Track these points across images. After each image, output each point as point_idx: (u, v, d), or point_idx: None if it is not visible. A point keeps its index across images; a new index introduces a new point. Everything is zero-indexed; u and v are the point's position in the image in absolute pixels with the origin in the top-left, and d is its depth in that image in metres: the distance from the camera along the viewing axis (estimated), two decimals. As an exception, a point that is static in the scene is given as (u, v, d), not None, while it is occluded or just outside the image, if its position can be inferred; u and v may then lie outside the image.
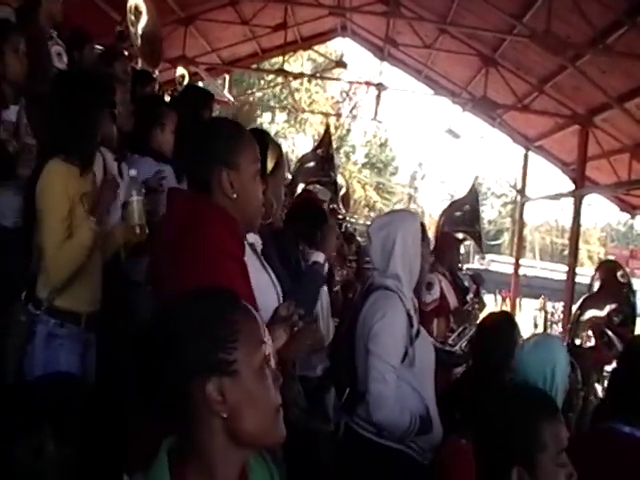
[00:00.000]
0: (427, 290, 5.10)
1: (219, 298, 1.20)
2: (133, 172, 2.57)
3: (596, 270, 6.60)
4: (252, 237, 2.17)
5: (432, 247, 5.69)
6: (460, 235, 6.58)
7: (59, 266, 2.46)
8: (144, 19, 5.61)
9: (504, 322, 3.06)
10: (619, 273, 6.29)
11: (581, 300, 6.41)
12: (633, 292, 6.39)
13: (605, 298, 6.06)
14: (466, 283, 6.05)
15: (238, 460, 1.19)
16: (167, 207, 1.85)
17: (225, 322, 1.14)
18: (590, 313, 6.13)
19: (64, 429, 1.75)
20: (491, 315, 3.51)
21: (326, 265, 3.06)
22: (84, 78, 2.77)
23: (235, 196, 1.74)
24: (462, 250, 6.58)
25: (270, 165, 2.29)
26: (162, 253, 1.79)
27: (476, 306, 5.55)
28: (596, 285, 6.38)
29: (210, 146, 1.76)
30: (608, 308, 5.92)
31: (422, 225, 2.97)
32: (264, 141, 2.27)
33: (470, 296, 5.70)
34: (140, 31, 5.55)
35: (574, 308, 6.73)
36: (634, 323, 5.96)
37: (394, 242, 2.71)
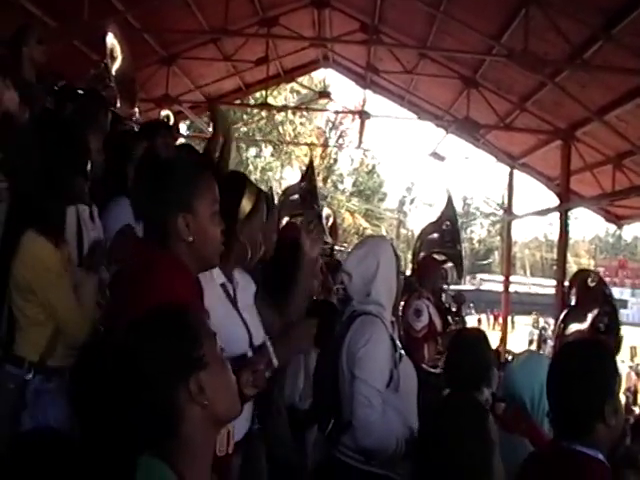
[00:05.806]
0: (416, 317, 5.14)
1: (170, 311, 1.36)
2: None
3: (569, 285, 6.68)
4: (222, 277, 2.17)
5: (413, 272, 5.70)
6: (440, 257, 6.59)
7: (80, 326, 2.48)
8: (118, 61, 5.66)
9: (474, 339, 3.02)
10: (589, 279, 6.36)
11: (562, 315, 6.47)
12: (608, 288, 6.45)
13: (584, 308, 6.10)
14: (447, 304, 6.08)
15: (214, 439, 1.41)
16: (125, 254, 1.93)
17: (186, 326, 1.32)
18: (573, 327, 6.17)
19: None
20: (461, 332, 3.46)
21: None
22: (64, 141, 2.67)
23: (191, 239, 1.74)
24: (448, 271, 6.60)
25: (247, 209, 2.27)
26: (114, 299, 1.82)
27: (459, 326, 5.59)
28: (573, 299, 6.45)
29: (166, 191, 1.74)
30: (590, 316, 5.95)
31: (392, 246, 3.02)
32: (241, 186, 2.31)
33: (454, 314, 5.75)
34: (114, 73, 5.60)
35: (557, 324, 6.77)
36: (618, 324, 5.96)
37: (376, 271, 2.76)
